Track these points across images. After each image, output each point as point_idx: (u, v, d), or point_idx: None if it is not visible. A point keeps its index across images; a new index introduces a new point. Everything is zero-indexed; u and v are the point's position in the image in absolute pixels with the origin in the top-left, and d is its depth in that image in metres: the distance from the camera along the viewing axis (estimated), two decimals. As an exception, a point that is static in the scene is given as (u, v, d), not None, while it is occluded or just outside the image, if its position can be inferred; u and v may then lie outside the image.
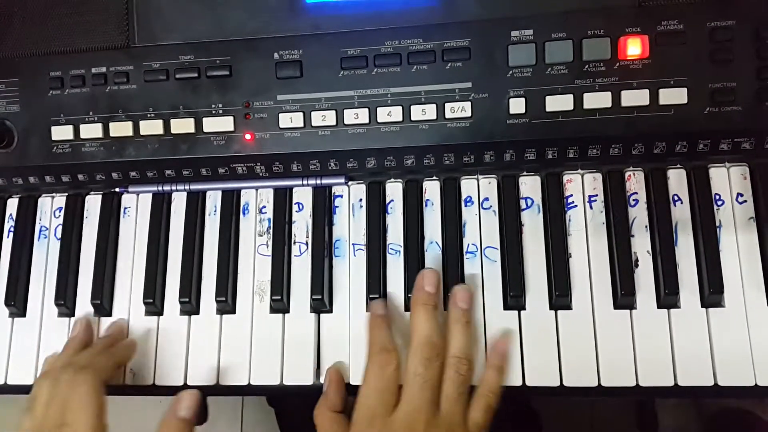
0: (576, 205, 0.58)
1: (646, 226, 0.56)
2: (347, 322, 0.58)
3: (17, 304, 0.62)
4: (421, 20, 0.56)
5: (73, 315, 0.62)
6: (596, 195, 0.58)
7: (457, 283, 0.56)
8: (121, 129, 0.59)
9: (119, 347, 0.58)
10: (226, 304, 0.59)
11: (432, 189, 0.60)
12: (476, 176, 0.60)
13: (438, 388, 0.51)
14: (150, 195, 0.63)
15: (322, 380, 0.57)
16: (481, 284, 0.57)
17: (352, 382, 0.56)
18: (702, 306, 0.55)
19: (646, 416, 1.13)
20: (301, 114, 0.57)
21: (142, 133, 0.59)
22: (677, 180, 0.57)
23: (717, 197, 0.56)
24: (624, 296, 0.54)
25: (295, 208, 0.61)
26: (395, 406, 0.51)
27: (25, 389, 0.60)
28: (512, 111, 0.55)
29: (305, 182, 0.61)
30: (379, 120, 0.56)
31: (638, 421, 1.14)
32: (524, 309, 0.56)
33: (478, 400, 0.52)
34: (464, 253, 0.58)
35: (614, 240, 0.56)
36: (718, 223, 0.56)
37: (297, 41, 0.58)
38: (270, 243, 0.60)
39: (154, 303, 0.60)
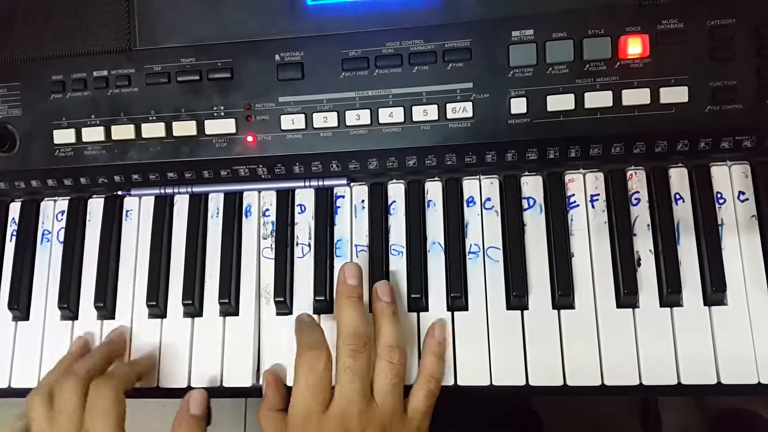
0: (578, 205, 0.58)
1: (648, 225, 0.57)
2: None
3: (20, 307, 0.62)
4: (421, 21, 0.56)
5: (76, 318, 0.62)
6: (598, 194, 0.58)
7: (459, 283, 0.56)
8: (123, 132, 0.59)
9: (141, 359, 0.59)
10: (229, 306, 0.59)
11: (434, 189, 0.60)
12: (478, 176, 0.60)
13: (369, 378, 0.52)
14: (152, 198, 0.63)
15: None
16: (484, 284, 0.57)
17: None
18: (705, 304, 0.55)
19: (649, 416, 1.13)
20: (302, 116, 0.57)
21: (144, 135, 0.59)
22: (679, 179, 0.57)
23: (719, 195, 0.57)
24: (627, 295, 0.55)
25: (297, 209, 0.61)
26: (330, 401, 0.51)
27: (28, 393, 0.60)
28: (514, 111, 0.55)
29: (307, 184, 0.61)
30: (380, 121, 0.57)
31: (642, 421, 1.15)
32: (527, 309, 0.56)
33: (418, 387, 0.53)
34: (467, 254, 0.58)
35: (616, 239, 0.56)
36: (720, 222, 0.56)
37: (298, 43, 0.58)
38: (274, 246, 0.61)
39: (157, 305, 0.60)
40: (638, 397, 1.14)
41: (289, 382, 0.58)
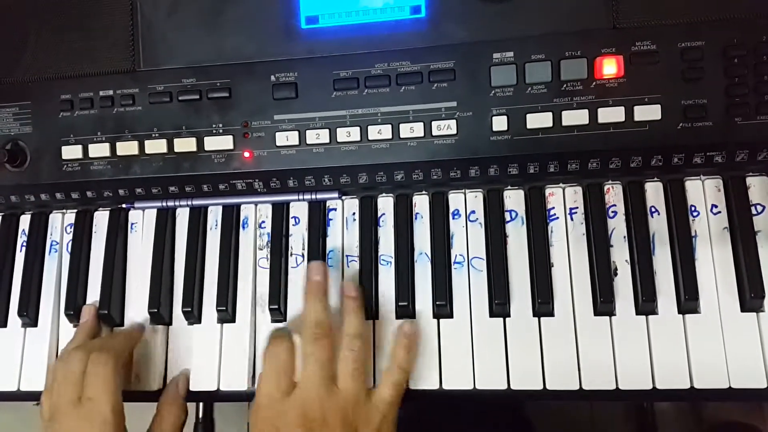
0: (558, 217, 0.60)
1: (624, 237, 0.59)
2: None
3: (29, 314, 0.65)
4: (408, 44, 0.59)
5: (82, 325, 0.65)
6: (577, 207, 0.60)
7: (444, 292, 0.59)
8: (127, 148, 0.62)
9: (130, 331, 0.63)
10: (227, 313, 0.62)
11: (421, 203, 0.63)
12: (463, 190, 0.63)
13: (331, 365, 0.54)
14: (155, 210, 0.66)
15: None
16: (468, 293, 0.60)
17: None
18: (679, 312, 0.57)
19: (646, 429, 1.14)
20: (296, 133, 0.60)
21: (147, 152, 0.62)
22: (654, 192, 0.60)
23: (692, 208, 0.59)
24: (603, 303, 0.57)
25: (291, 221, 0.64)
26: (294, 388, 0.54)
27: (35, 396, 0.63)
28: (495, 128, 0.58)
29: (301, 197, 0.64)
30: (369, 138, 0.59)
31: (638, 434, 1.15)
32: (509, 316, 0.59)
33: (385, 377, 0.56)
34: (452, 264, 0.61)
35: (594, 250, 0.59)
36: (693, 233, 0.58)
37: (292, 64, 0.61)
38: (269, 256, 0.64)
39: (158, 312, 0.63)
40: (633, 406, 1.15)
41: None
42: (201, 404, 0.96)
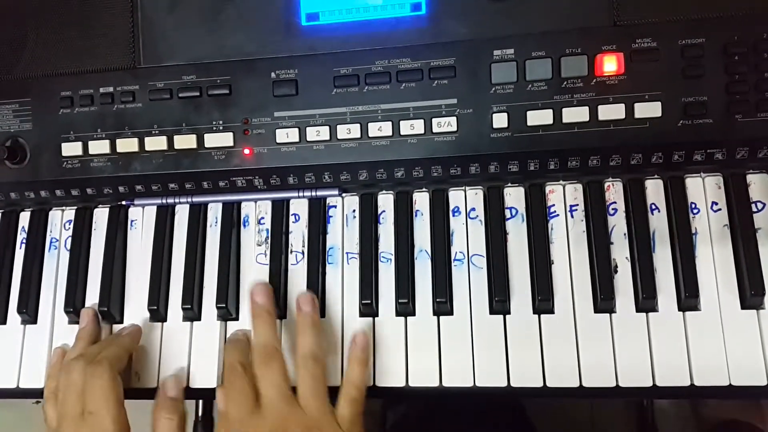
0: (558, 215, 0.60)
1: (624, 234, 0.59)
2: (340, 326, 0.61)
3: (29, 311, 0.65)
4: (409, 41, 0.59)
5: (81, 322, 0.65)
6: (577, 204, 0.60)
7: (445, 289, 0.59)
8: (127, 145, 0.62)
9: (125, 335, 0.62)
10: (227, 310, 0.62)
11: (421, 200, 0.63)
12: (463, 188, 0.63)
13: (287, 384, 0.55)
14: (155, 207, 0.66)
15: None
16: (468, 290, 0.60)
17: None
18: (679, 309, 0.57)
19: (646, 428, 1.14)
20: (296, 130, 0.60)
21: (147, 148, 0.62)
22: (654, 190, 0.60)
23: (693, 206, 0.59)
24: (603, 301, 0.57)
25: (291, 219, 0.64)
26: (258, 408, 0.54)
27: (35, 393, 0.63)
28: (495, 125, 0.58)
29: (301, 194, 0.64)
30: (370, 135, 0.59)
31: (638, 435, 1.15)
32: (509, 313, 0.59)
33: (342, 395, 0.56)
34: (452, 261, 0.61)
35: (594, 247, 0.59)
36: (693, 231, 0.58)
37: (293, 61, 0.61)
38: (268, 252, 0.64)
39: (158, 309, 0.63)
40: (633, 406, 1.15)
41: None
42: (200, 402, 0.97)
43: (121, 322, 0.65)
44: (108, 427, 0.54)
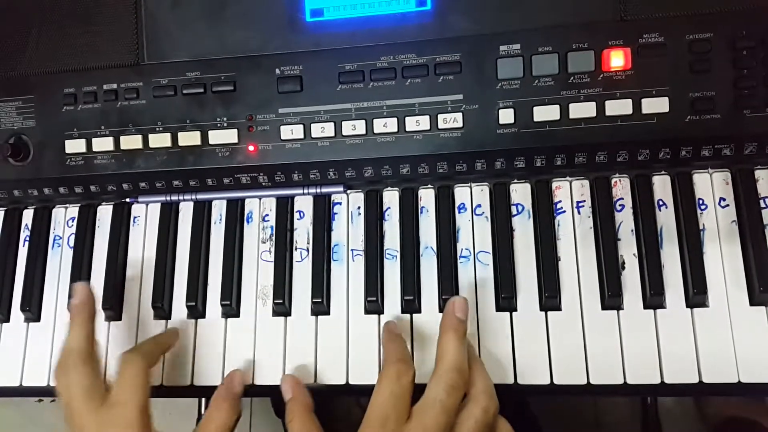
0: (564, 211, 0.60)
1: (632, 230, 0.59)
2: (345, 324, 0.60)
3: (32, 309, 0.65)
4: (414, 36, 0.59)
5: (85, 320, 0.65)
6: (584, 201, 0.60)
7: (451, 286, 0.59)
8: (131, 142, 0.62)
9: (163, 334, 0.61)
10: (231, 308, 0.62)
11: (427, 196, 0.62)
12: (469, 184, 0.62)
13: (454, 416, 0.50)
14: (159, 205, 0.66)
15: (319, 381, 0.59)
16: (474, 287, 0.60)
17: (351, 382, 0.59)
18: (687, 306, 0.57)
19: (650, 426, 1.14)
20: (301, 126, 0.60)
21: (151, 145, 0.62)
22: (662, 185, 0.60)
23: (700, 202, 0.59)
24: (611, 297, 0.57)
25: (296, 215, 0.64)
26: (407, 418, 0.50)
27: (38, 391, 0.63)
28: (502, 121, 0.57)
29: (306, 191, 0.64)
30: (375, 131, 0.59)
31: (643, 431, 1.15)
32: (516, 310, 0.58)
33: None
34: (458, 258, 0.60)
35: (601, 243, 0.58)
36: (701, 227, 0.58)
37: (297, 57, 0.60)
38: (272, 249, 0.63)
39: (162, 307, 0.63)
40: (638, 404, 1.15)
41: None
42: (203, 400, 0.96)
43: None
44: (132, 416, 0.52)
